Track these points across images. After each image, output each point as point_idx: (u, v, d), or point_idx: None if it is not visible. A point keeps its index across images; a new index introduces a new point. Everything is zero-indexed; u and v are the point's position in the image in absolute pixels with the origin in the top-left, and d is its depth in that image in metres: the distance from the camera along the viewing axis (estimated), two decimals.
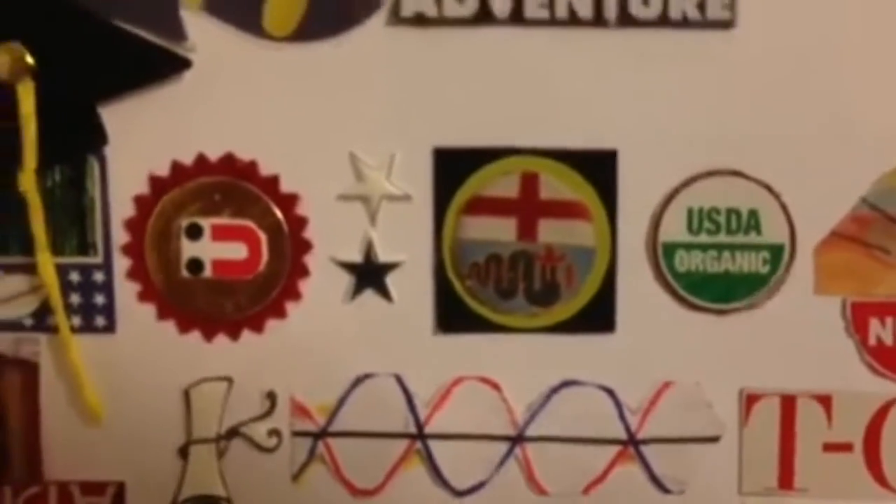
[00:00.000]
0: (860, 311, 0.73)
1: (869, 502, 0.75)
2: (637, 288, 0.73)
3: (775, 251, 0.72)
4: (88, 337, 0.74)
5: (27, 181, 0.70)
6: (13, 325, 0.74)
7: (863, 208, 0.72)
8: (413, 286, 0.73)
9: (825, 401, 0.74)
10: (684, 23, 0.70)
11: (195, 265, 0.72)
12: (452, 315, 0.74)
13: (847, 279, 0.73)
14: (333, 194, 0.72)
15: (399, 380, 0.74)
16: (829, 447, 0.75)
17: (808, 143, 0.71)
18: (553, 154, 0.72)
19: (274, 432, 0.75)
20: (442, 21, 0.70)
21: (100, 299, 0.73)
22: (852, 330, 0.74)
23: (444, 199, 0.72)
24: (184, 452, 0.76)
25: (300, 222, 0.72)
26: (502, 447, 0.75)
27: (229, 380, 0.74)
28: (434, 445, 0.75)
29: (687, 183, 0.72)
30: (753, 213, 0.72)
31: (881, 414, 0.74)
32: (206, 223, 0.72)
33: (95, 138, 0.71)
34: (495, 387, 0.74)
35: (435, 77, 0.71)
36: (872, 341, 0.74)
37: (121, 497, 0.76)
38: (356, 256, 0.73)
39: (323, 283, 0.73)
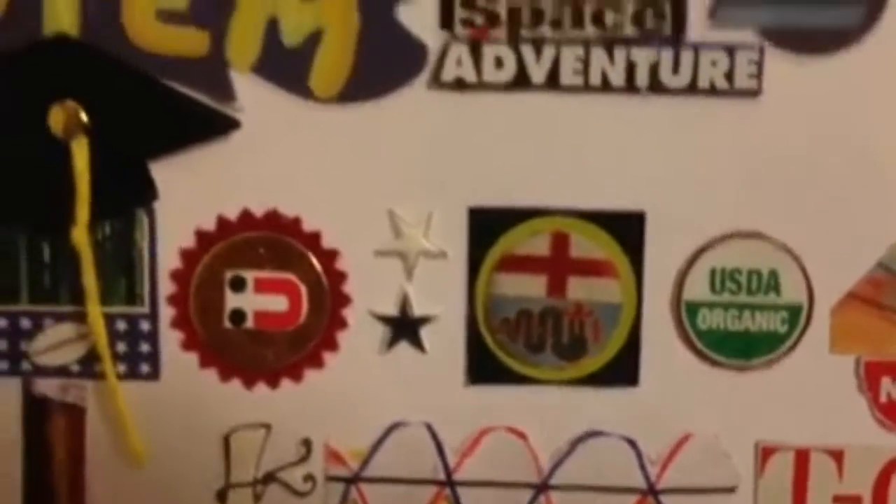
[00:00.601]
0: (873, 370, 0.72)
1: None
2: (661, 344, 0.71)
3: (794, 311, 0.71)
4: (133, 383, 0.72)
5: (80, 235, 0.68)
6: (61, 371, 0.72)
7: (878, 271, 0.70)
8: (446, 339, 0.71)
9: (837, 455, 0.73)
10: (712, 91, 0.68)
11: (238, 316, 0.70)
12: (483, 367, 0.72)
13: (861, 339, 0.71)
14: (372, 250, 0.70)
15: (430, 428, 0.73)
16: (839, 499, 0.73)
17: (828, 209, 0.70)
18: (583, 215, 0.70)
19: (309, 477, 0.73)
20: (481, 86, 0.68)
21: (145, 347, 0.71)
22: (865, 387, 0.72)
23: (477, 257, 0.70)
24: (222, 496, 0.74)
25: (340, 277, 0.70)
26: (527, 494, 0.73)
27: (267, 426, 0.72)
28: (462, 492, 0.73)
29: (710, 244, 0.70)
30: (773, 275, 0.71)
31: (890, 468, 0.73)
32: (249, 276, 0.70)
33: (146, 193, 0.69)
34: (522, 436, 0.73)
35: (472, 139, 0.69)
36: (883, 398, 0.72)
37: None
38: (392, 310, 0.71)
39: (360, 334, 0.71)
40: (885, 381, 0.72)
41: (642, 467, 0.73)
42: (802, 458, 0.73)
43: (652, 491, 0.73)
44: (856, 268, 0.71)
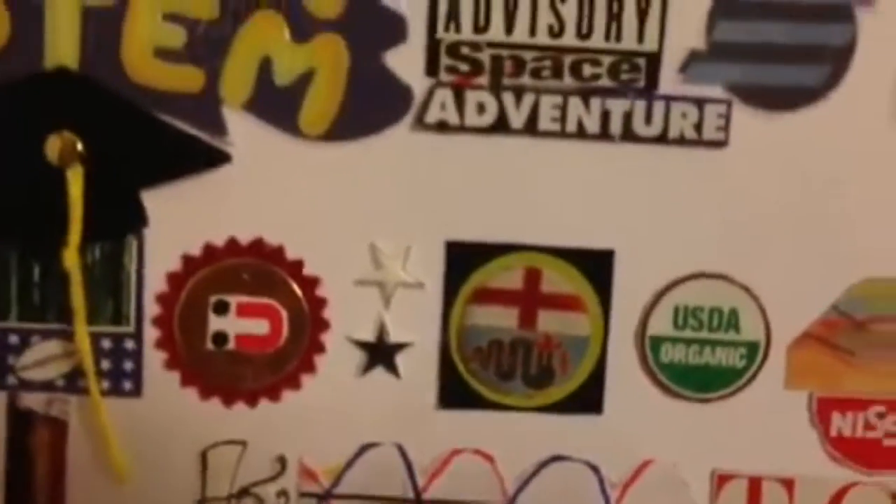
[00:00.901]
0: (824, 406, 0.85)
1: None
2: (625, 375, 0.84)
3: (752, 348, 0.84)
4: (116, 400, 0.83)
5: (71, 258, 0.79)
6: (46, 386, 0.83)
7: (833, 314, 0.83)
8: (420, 365, 0.83)
9: (788, 484, 0.86)
10: (682, 141, 0.80)
11: (220, 338, 0.82)
12: (454, 393, 0.84)
13: (814, 376, 0.84)
14: (352, 279, 0.82)
15: (401, 449, 0.85)
16: None
17: (787, 253, 0.82)
18: (555, 252, 0.82)
19: (282, 493, 0.85)
20: (462, 129, 0.80)
21: (129, 366, 0.83)
22: (816, 421, 0.85)
23: (453, 289, 0.83)
24: None
25: (320, 303, 0.82)
26: None
27: (244, 443, 0.84)
28: None
29: (675, 283, 0.83)
30: (734, 313, 0.83)
31: (838, 497, 0.86)
32: (232, 300, 0.82)
33: (136, 220, 0.80)
34: (489, 459, 0.85)
35: (452, 179, 0.81)
36: (834, 433, 0.85)
37: None
38: (369, 336, 0.83)
39: (337, 358, 0.83)
40: (836, 417, 0.85)
41: (603, 492, 0.86)
42: (755, 487, 0.86)
43: None
44: (812, 310, 0.84)
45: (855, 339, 0.84)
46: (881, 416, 0.86)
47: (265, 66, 0.79)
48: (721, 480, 0.86)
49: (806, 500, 0.86)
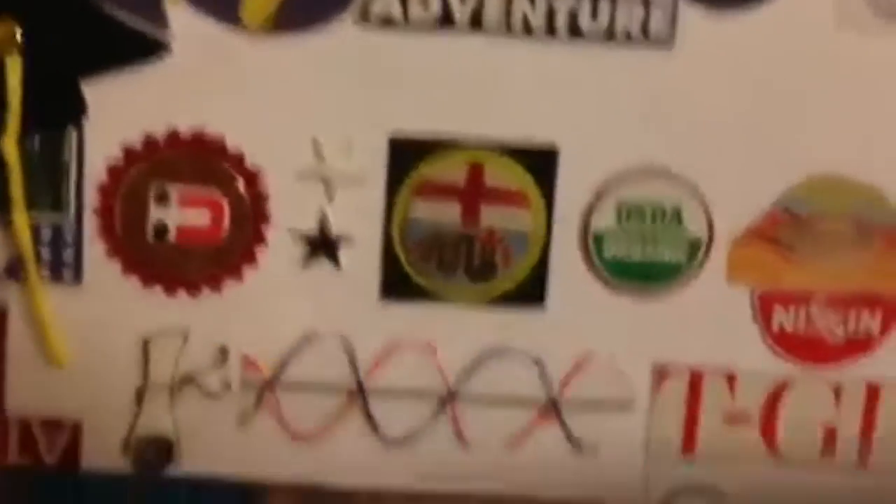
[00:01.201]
0: (766, 301, 0.92)
1: (761, 466, 0.96)
2: (568, 270, 0.90)
3: (694, 243, 0.91)
4: (56, 288, 0.89)
5: (9, 148, 0.85)
6: None
7: (775, 210, 0.90)
8: (362, 258, 0.90)
9: (730, 378, 0.94)
10: (628, 38, 0.87)
11: (161, 229, 0.89)
12: (396, 285, 0.91)
13: (757, 272, 0.91)
14: (294, 172, 0.88)
15: (344, 340, 0.92)
16: (729, 418, 0.95)
17: (731, 150, 0.89)
18: (499, 147, 0.89)
19: (224, 382, 0.92)
20: (406, 23, 0.85)
21: (69, 255, 0.89)
22: (758, 317, 0.92)
23: (396, 183, 0.88)
24: (139, 396, 0.92)
25: (262, 196, 0.88)
26: (435, 404, 0.93)
27: (186, 332, 0.91)
28: (372, 401, 0.93)
29: (619, 179, 0.89)
30: (676, 209, 0.90)
31: (779, 391, 0.94)
32: (173, 191, 0.88)
33: (76, 109, 0.85)
34: (432, 350, 0.92)
35: (395, 73, 0.86)
36: (775, 328, 0.92)
37: (78, 434, 0.93)
38: (312, 229, 0.89)
39: (279, 250, 0.89)
40: (778, 311, 0.93)
41: (545, 383, 0.93)
42: (696, 380, 0.94)
43: (553, 404, 0.94)
44: (755, 206, 0.90)
45: (797, 236, 0.91)
46: (822, 311, 0.92)
47: None
48: (662, 374, 0.93)
49: (747, 393, 0.93)
